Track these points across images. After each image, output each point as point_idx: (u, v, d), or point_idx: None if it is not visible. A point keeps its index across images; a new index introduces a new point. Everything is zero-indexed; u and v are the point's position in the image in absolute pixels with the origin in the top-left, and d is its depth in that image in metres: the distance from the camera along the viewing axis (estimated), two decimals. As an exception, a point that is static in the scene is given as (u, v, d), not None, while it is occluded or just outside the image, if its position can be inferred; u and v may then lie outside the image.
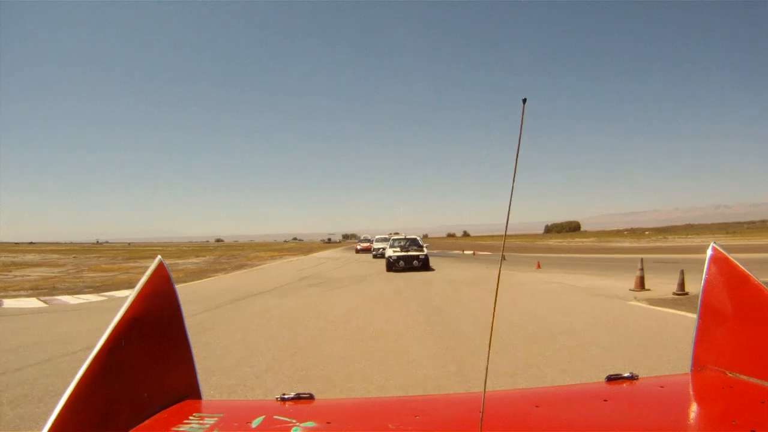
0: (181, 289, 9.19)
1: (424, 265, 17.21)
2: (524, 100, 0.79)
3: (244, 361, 4.84)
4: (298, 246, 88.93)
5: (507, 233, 0.88)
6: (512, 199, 0.81)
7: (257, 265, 25.39)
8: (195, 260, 31.46)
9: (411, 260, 17.06)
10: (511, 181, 0.80)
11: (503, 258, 1.00)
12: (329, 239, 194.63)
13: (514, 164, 0.79)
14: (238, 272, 20.17)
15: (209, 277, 17.66)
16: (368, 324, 6.83)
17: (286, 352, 5.22)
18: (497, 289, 0.91)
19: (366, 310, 8.17)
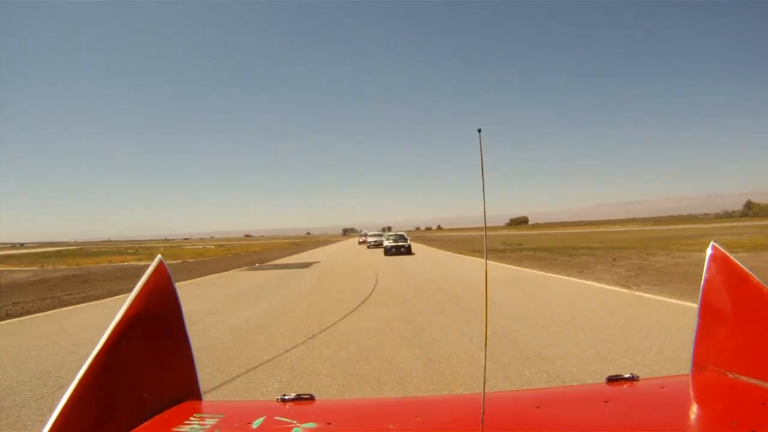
0: (344, 240, 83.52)
1: (407, 251, 26.84)
2: (479, 131, 0.80)
3: (344, 254, 31.00)
4: (330, 238, 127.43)
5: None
6: (485, 210, 0.80)
7: (340, 241, 71.41)
8: (328, 243, 68.87)
9: (400, 248, 26.81)
10: (482, 196, 0.81)
11: (486, 259, 0.95)
12: (344, 231, 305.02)
13: (482, 188, 0.79)
14: (345, 240, 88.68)
15: (340, 241, 76.26)
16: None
17: (357, 253, 30.44)
18: (486, 289, 0.87)
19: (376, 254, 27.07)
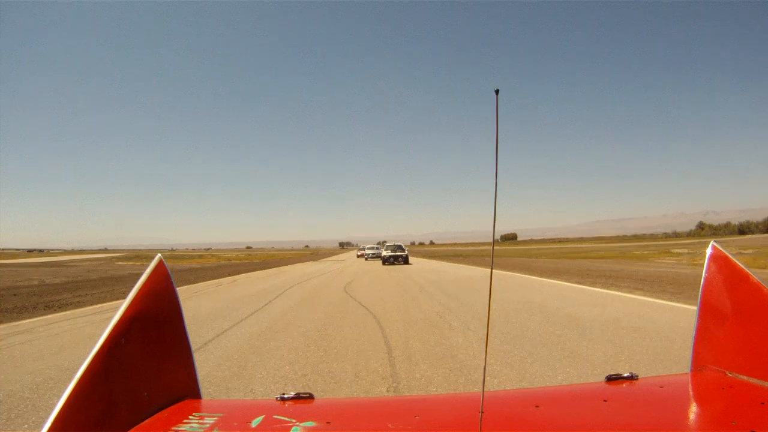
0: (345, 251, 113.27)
1: (405, 261, 27.25)
2: (497, 91, 0.68)
3: (354, 260, 40.20)
4: (333, 251, 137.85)
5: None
6: (496, 206, 0.71)
7: (343, 253, 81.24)
8: (335, 253, 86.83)
9: (398, 258, 27.02)
10: (494, 182, 0.70)
11: (492, 265, 0.82)
12: (340, 244, 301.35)
13: (495, 161, 0.68)
14: (345, 252, 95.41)
15: (342, 253, 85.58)
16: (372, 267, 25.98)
17: (356, 264, 30.99)
18: (490, 294, 0.84)
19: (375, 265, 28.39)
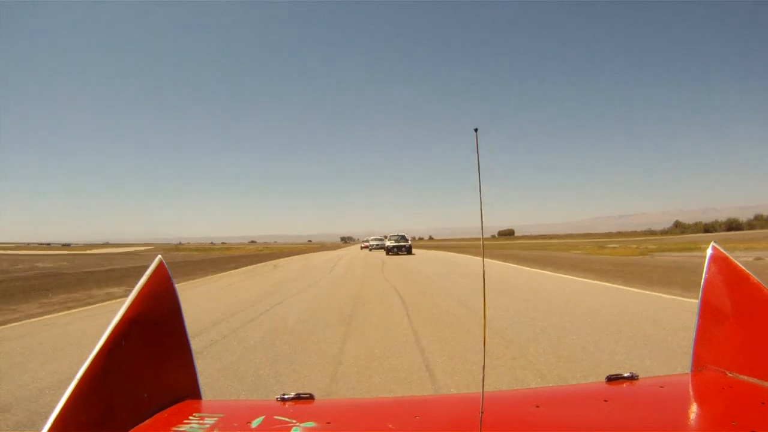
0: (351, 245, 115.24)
1: (408, 251, 28.46)
2: (476, 130, 0.77)
3: (358, 250, 44.35)
4: (337, 245, 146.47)
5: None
6: (483, 218, 0.77)
7: (347, 247, 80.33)
8: (340, 246, 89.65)
9: (401, 248, 28.21)
10: (479, 204, 0.77)
11: (483, 259, 0.85)
12: (342, 239, 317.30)
13: (479, 191, 0.76)
14: (348, 246, 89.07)
15: (346, 247, 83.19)
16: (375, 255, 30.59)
17: (365, 251, 39.23)
18: (484, 290, 0.85)
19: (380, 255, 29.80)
